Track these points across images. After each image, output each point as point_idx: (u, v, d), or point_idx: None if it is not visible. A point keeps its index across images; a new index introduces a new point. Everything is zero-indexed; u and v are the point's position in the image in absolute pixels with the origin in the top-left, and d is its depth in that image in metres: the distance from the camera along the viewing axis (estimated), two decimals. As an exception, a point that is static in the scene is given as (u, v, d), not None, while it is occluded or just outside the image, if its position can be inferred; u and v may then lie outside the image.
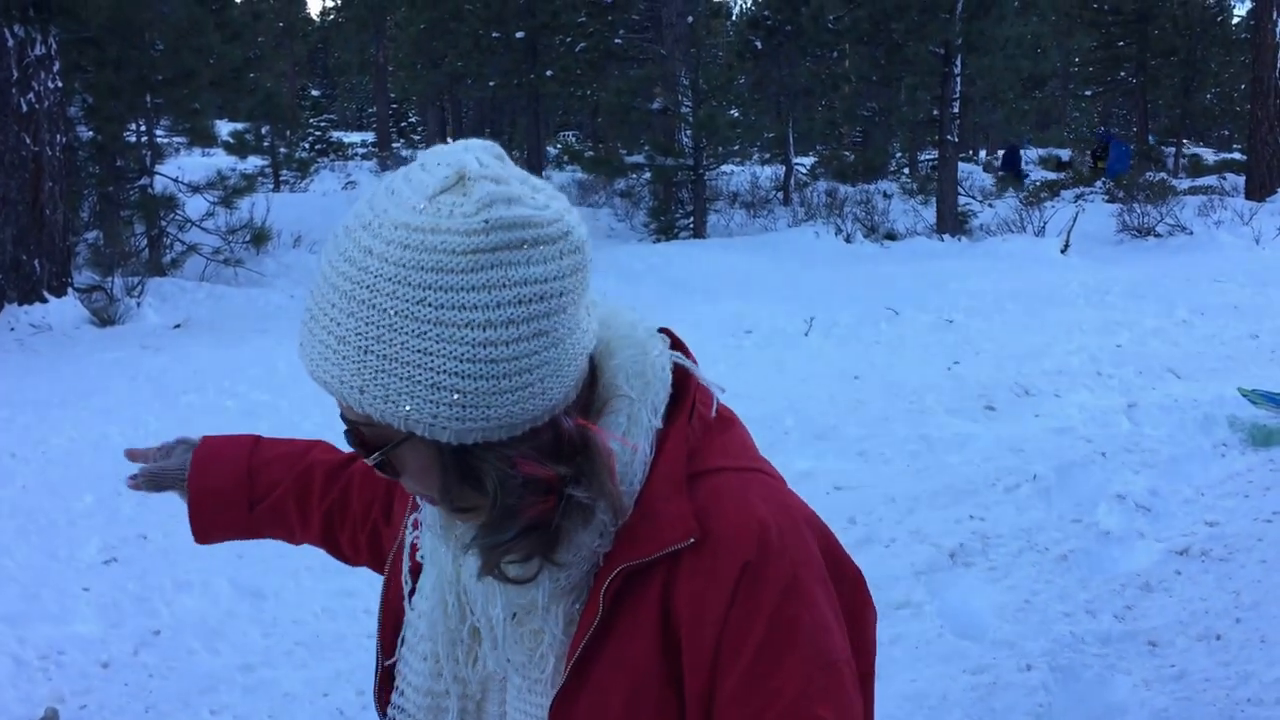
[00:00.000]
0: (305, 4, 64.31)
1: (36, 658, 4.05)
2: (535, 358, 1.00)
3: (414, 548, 1.25)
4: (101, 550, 5.07)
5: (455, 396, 0.99)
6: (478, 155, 1.02)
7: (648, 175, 19.99)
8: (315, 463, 1.57)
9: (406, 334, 0.98)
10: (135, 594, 4.59)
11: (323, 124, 38.43)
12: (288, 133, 25.73)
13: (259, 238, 14.41)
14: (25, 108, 10.70)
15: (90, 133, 14.29)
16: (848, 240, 17.34)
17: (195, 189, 14.67)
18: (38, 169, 10.80)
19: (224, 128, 21.28)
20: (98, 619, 4.39)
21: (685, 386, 1.15)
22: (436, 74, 34.79)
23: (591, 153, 24.97)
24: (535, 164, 28.64)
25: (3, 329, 10.50)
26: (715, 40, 35.87)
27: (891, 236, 17.97)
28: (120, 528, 5.32)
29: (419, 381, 0.99)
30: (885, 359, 8.70)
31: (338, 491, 1.55)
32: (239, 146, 19.99)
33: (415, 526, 1.25)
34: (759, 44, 24.18)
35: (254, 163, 21.12)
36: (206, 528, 1.62)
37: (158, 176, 14.93)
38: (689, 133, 18.86)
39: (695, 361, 1.20)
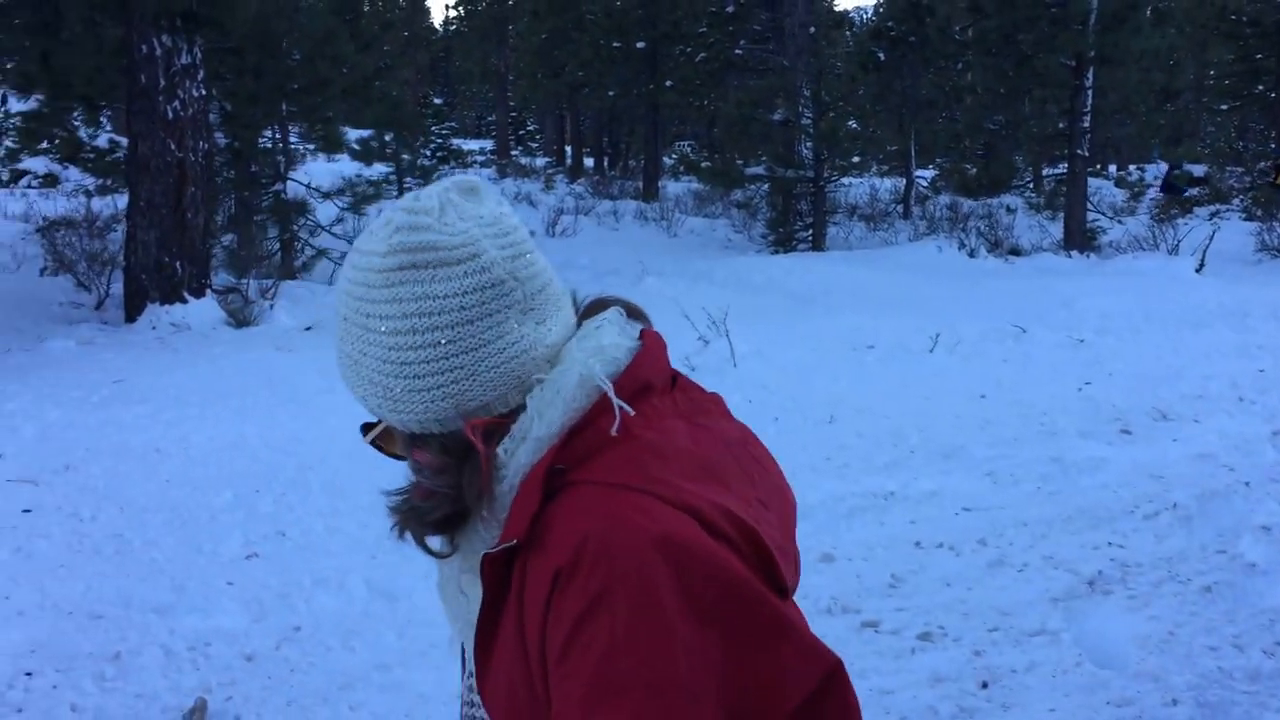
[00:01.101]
0: (429, 14, 65.47)
1: (185, 648, 4.18)
2: (443, 363, 1.15)
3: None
4: (243, 546, 5.23)
5: (383, 392, 1.18)
6: (431, 190, 1.19)
7: (765, 187, 19.92)
8: None
9: (350, 339, 1.19)
10: (276, 590, 4.72)
11: (444, 132, 39.02)
12: (412, 140, 26.25)
13: (385, 243, 14.67)
14: (171, 115, 11.11)
15: (228, 140, 14.77)
16: (971, 255, 17.06)
17: (325, 195, 15.06)
18: (181, 174, 11.19)
19: (351, 135, 21.80)
20: (241, 613, 4.52)
21: (604, 405, 1.17)
22: (556, 83, 35.20)
23: (708, 163, 24.96)
24: (652, 174, 28.78)
25: (145, 327, 10.91)
26: (835, 51, 35.58)
27: (1016, 252, 17.62)
28: (260, 524, 5.48)
29: (363, 378, 1.19)
30: (1013, 378, 8.52)
31: None
32: (365, 153, 20.45)
33: None
34: (882, 55, 23.94)
35: (379, 169, 21.57)
36: None
37: (290, 182, 15.37)
38: (809, 144, 18.74)
39: (667, 379, 1.25)
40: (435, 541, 1.24)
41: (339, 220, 14.78)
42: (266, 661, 4.14)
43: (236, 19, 10.61)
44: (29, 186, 22.31)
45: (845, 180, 21.60)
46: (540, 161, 44.81)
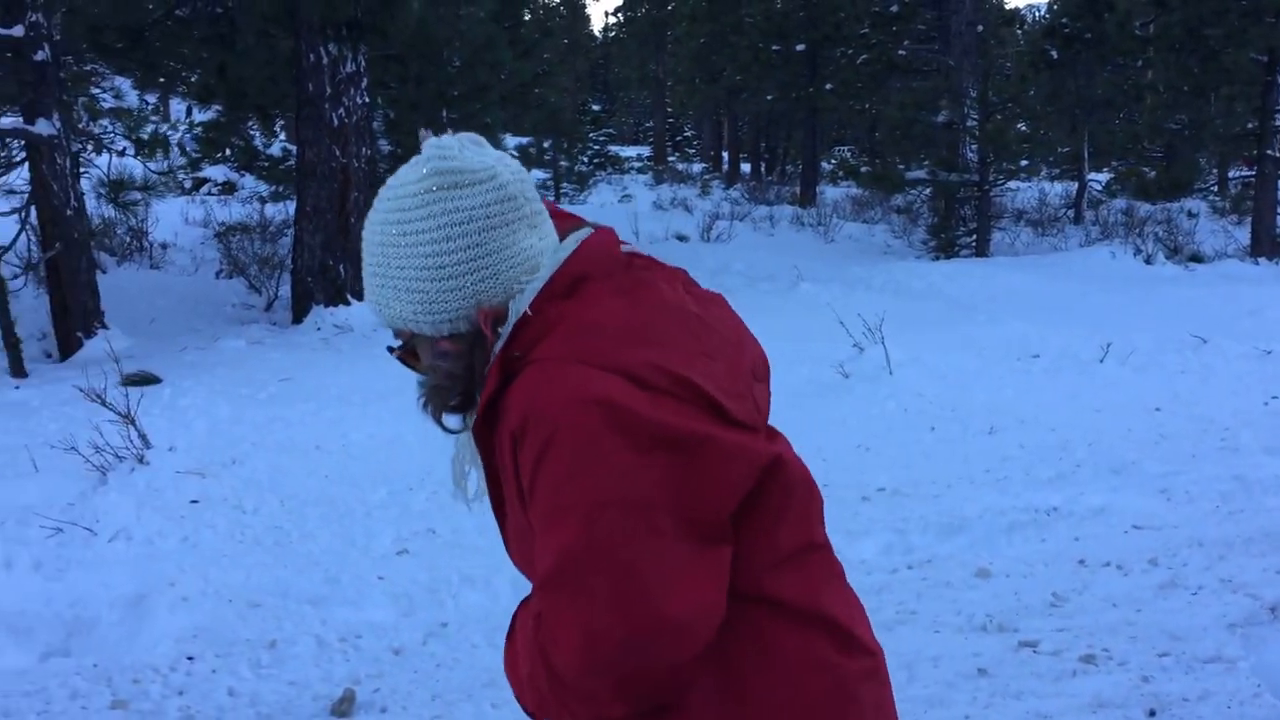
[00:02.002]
0: (589, 21, 66.29)
1: (337, 639, 4.25)
2: (473, 264, 1.43)
3: None
4: (394, 541, 5.30)
5: (420, 297, 1.45)
6: (446, 137, 1.48)
7: (926, 191, 19.47)
8: None
9: (386, 260, 1.46)
10: (425, 585, 4.76)
11: (601, 138, 39.46)
12: (570, 146, 26.57)
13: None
14: (336, 122, 11.44)
15: (391, 146, 15.15)
16: (1147, 261, 16.31)
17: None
18: (345, 180, 11.51)
19: (510, 141, 22.18)
20: (391, 606, 4.57)
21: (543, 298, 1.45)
22: (714, 88, 35.18)
23: (867, 168, 24.55)
24: (809, 179, 28.47)
25: (310, 328, 11.26)
26: (1004, 50, 34.62)
27: (1197, 259, 16.80)
28: (411, 521, 5.55)
29: (400, 290, 1.45)
30: (1191, 390, 8.07)
31: None
32: (523, 159, 20.77)
33: None
34: (1054, 53, 23.11)
35: (536, 175, 21.88)
36: None
37: (450, 187, 15.60)
38: (974, 147, 18.23)
39: (609, 268, 1.50)
40: (453, 420, 1.56)
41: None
42: (413, 655, 4.17)
43: (399, 27, 10.87)
44: (208, 194, 23.33)
45: (1012, 184, 20.96)
46: (696, 167, 44.86)
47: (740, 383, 1.50)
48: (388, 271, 1.46)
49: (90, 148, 12.69)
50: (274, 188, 20.90)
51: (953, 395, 7.92)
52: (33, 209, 10.61)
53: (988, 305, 12.73)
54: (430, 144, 1.46)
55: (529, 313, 1.42)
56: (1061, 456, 6.54)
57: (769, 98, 30.56)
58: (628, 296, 1.45)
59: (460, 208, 1.42)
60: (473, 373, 1.48)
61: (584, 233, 1.52)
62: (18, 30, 9.86)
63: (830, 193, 28.50)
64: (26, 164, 10.68)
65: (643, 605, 1.30)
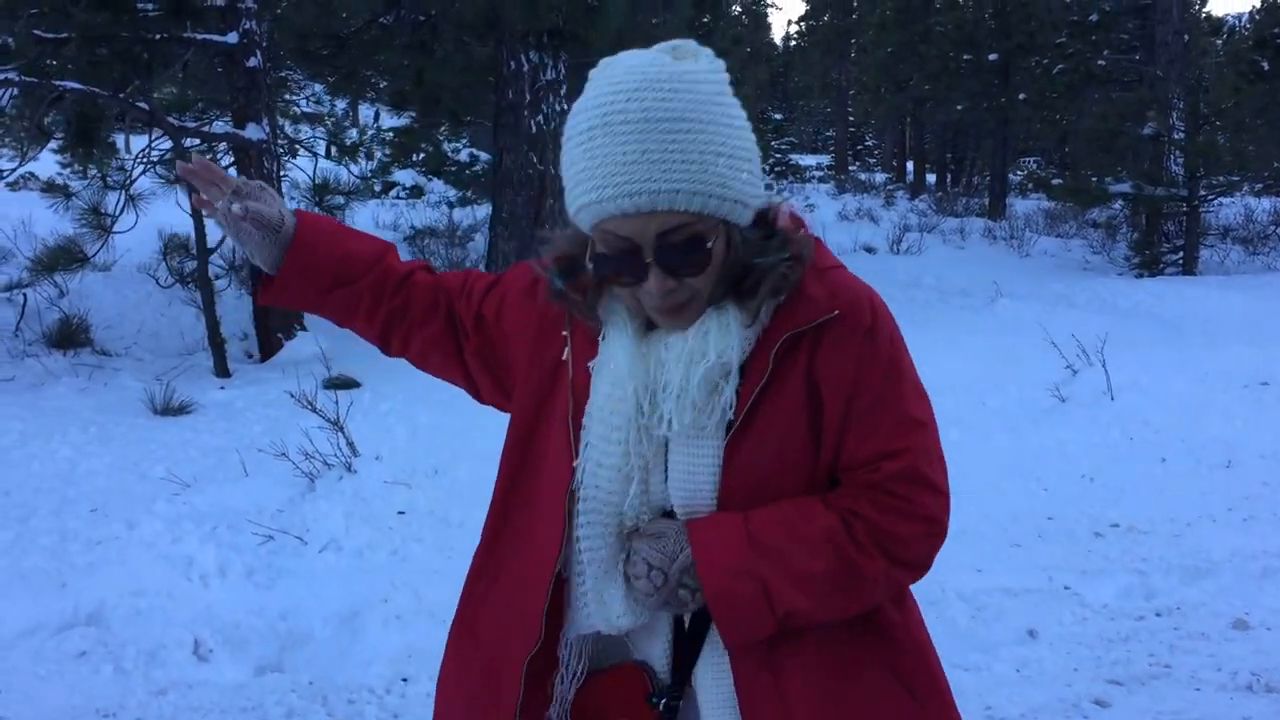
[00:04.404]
0: (770, 29, 65.99)
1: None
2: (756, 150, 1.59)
3: (580, 374, 1.70)
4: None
5: (746, 175, 1.54)
6: (682, 44, 1.60)
7: (1120, 205, 18.55)
8: (389, 268, 1.92)
9: (723, 138, 1.51)
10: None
11: (783, 146, 39.13)
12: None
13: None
14: (534, 129, 11.48)
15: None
16: (1378, 283, 15.15)
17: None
18: (541, 187, 11.54)
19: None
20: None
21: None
22: (900, 97, 34.49)
23: (1059, 180, 23.59)
24: (998, 191, 27.59)
25: (500, 334, 11.31)
26: (1206, 60, 32.98)
27: None
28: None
29: (716, 175, 1.49)
30: None
31: (401, 299, 1.91)
32: (708, 167, 20.64)
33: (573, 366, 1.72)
34: (1265, 65, 21.76)
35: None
36: (281, 290, 1.87)
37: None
38: (1180, 160, 17.27)
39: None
40: (717, 328, 1.59)
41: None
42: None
43: (600, 35, 10.82)
44: (398, 197, 23.96)
45: (1219, 200, 19.81)
46: (879, 177, 44.08)
47: None
48: (704, 155, 1.49)
49: (287, 152, 13.07)
50: (462, 193, 21.31)
51: (1180, 424, 7.40)
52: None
53: (1202, 327, 11.96)
54: (689, 46, 1.58)
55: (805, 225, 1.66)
56: (1311, 496, 6.01)
57: (958, 107, 29.77)
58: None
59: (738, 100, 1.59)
60: (794, 264, 1.60)
61: None
62: (232, 37, 10.18)
63: (1020, 205, 27.55)
64: (234, 168, 11.04)
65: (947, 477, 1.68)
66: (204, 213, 1.83)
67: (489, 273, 1.96)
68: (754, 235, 1.59)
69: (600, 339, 1.67)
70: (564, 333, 1.73)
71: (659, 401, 1.60)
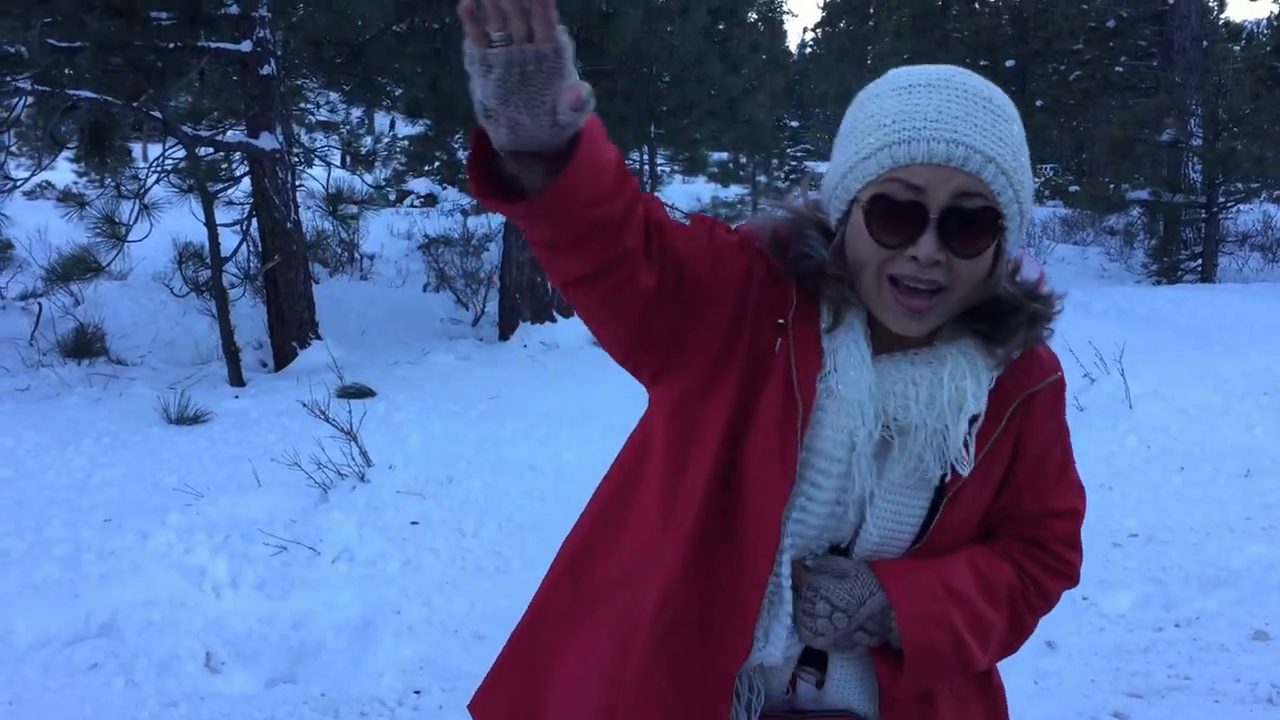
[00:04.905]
0: (785, 37, 65.96)
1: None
2: None
3: (808, 389, 1.50)
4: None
5: (1030, 196, 1.48)
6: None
7: (1137, 212, 18.46)
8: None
9: (1026, 151, 1.47)
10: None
11: (798, 154, 39.11)
12: (770, 162, 26.32)
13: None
14: (547, 137, 11.47)
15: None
16: (1396, 291, 15.03)
17: (687, 216, 15.19)
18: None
19: (710, 156, 22.07)
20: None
21: None
22: (917, 104, 34.33)
23: (1076, 187, 23.47)
24: (1015, 197, 27.44)
25: (517, 345, 11.32)
26: (1224, 66, 32.78)
27: None
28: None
29: (1030, 182, 1.47)
30: None
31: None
32: (723, 175, 20.62)
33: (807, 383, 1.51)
34: (1282, 70, 21.68)
35: (735, 190, 21.68)
36: (555, 188, 1.31)
37: (655, 203, 15.57)
38: (1199, 167, 17.18)
39: None
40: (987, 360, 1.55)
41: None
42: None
43: (615, 43, 10.82)
44: (412, 205, 23.99)
45: (1238, 206, 19.71)
46: (895, 184, 43.90)
47: None
48: (1028, 158, 1.48)
49: (301, 160, 13.09)
50: (476, 201, 21.33)
51: (1199, 432, 7.33)
52: (253, 221, 10.96)
53: (1221, 335, 11.88)
54: (952, 68, 1.48)
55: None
56: (1329, 508, 5.94)
57: (974, 114, 29.63)
58: None
59: None
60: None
61: None
62: (246, 46, 10.21)
63: (1037, 212, 27.44)
64: (248, 177, 11.07)
65: None
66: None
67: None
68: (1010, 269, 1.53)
69: (827, 349, 1.52)
70: (780, 321, 1.53)
71: (901, 442, 1.52)
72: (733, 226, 1.66)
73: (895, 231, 1.43)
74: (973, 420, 1.52)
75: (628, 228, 1.40)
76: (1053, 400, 1.61)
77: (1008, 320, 1.52)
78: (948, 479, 1.53)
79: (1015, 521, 1.65)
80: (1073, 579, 1.69)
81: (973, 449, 1.52)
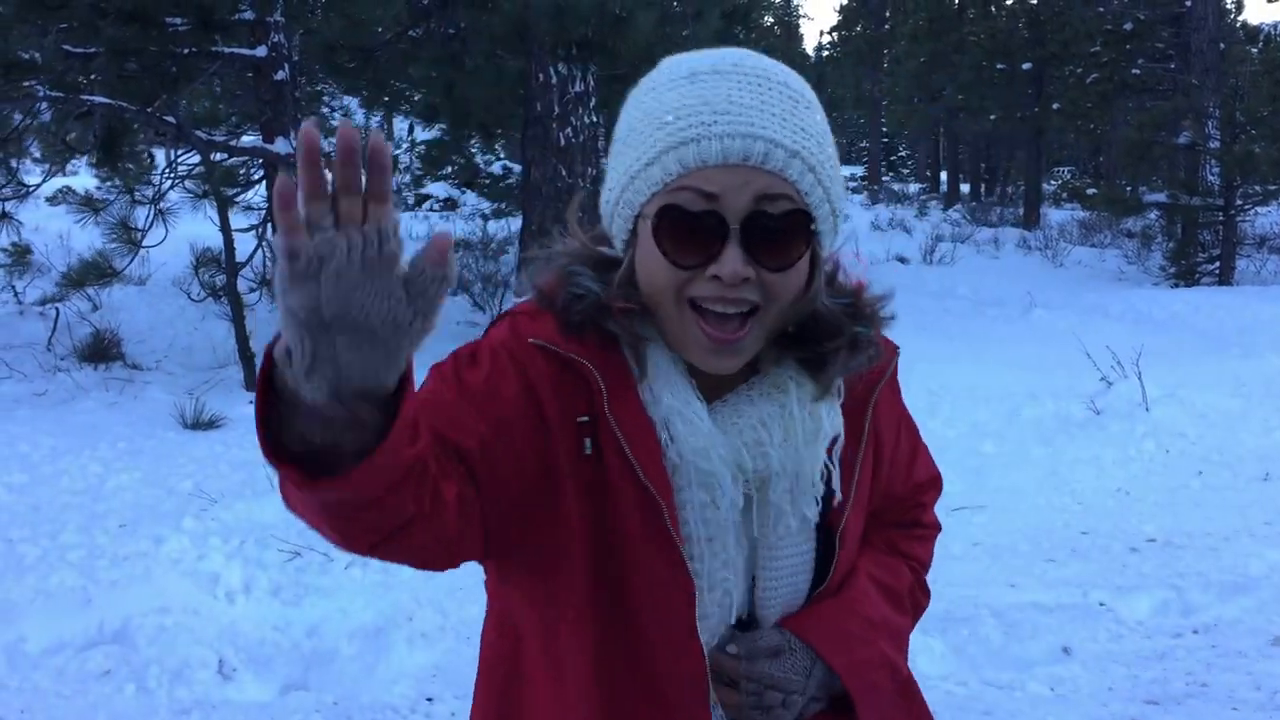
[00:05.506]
0: (802, 40, 65.91)
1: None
2: None
3: (658, 476, 1.28)
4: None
5: (841, 193, 1.30)
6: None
7: (1155, 215, 18.36)
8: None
9: (831, 140, 1.29)
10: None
11: (814, 157, 39.03)
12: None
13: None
14: (563, 141, 11.47)
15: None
16: None
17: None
18: (570, 200, 11.53)
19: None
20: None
21: None
22: (933, 107, 34.36)
23: (1094, 190, 23.39)
24: (1032, 199, 27.39)
25: (531, 347, 11.29)
26: (1242, 68, 32.58)
27: None
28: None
29: (839, 175, 1.30)
30: None
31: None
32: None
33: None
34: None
35: (752, 194, 21.64)
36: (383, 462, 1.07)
37: (669, 207, 15.57)
38: (1216, 169, 17.07)
39: None
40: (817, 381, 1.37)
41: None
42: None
43: (629, 46, 10.80)
44: (430, 209, 24.05)
45: (1256, 209, 19.59)
46: (913, 188, 43.88)
47: None
48: (834, 147, 1.30)
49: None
50: (495, 204, 21.36)
51: (1217, 436, 7.28)
52: (269, 226, 10.99)
53: (1239, 338, 11.80)
54: (736, 51, 1.29)
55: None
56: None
57: (992, 117, 29.59)
58: None
59: None
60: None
61: None
62: (261, 51, 10.23)
63: (1054, 215, 27.33)
64: (264, 182, 11.10)
65: None
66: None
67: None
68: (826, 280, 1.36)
69: (656, 420, 1.30)
70: (582, 419, 1.30)
71: (763, 494, 1.35)
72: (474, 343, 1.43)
73: (691, 248, 1.23)
74: (833, 442, 1.38)
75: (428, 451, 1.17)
76: (892, 382, 1.48)
77: (826, 345, 1.33)
78: (831, 513, 1.40)
79: (890, 510, 1.57)
80: (937, 532, 1.67)
81: (839, 476, 1.38)
